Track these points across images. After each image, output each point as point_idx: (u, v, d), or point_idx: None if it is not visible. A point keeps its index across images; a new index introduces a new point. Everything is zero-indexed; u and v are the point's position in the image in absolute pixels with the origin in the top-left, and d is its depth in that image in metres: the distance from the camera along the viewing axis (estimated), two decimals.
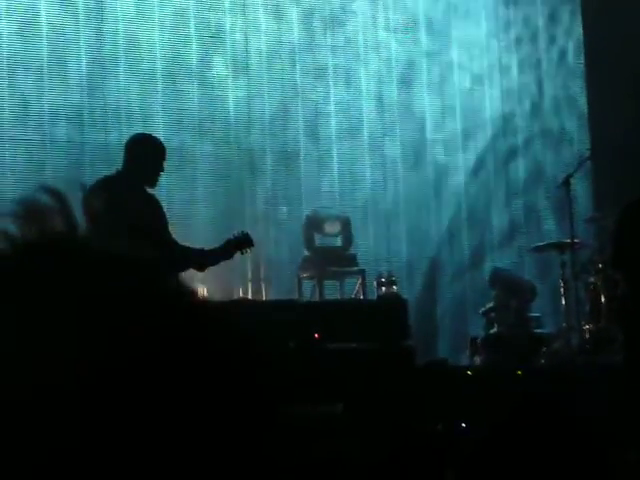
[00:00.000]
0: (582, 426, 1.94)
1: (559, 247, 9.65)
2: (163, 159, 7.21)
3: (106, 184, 6.87)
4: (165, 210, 7.47)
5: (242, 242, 7.25)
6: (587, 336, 9.22)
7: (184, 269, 6.96)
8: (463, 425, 7.43)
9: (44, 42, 9.83)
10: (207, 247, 7.35)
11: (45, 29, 9.85)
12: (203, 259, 7.18)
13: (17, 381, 0.85)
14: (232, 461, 0.88)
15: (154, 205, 7.22)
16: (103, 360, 0.85)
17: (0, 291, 0.88)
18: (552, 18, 12.08)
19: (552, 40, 12.10)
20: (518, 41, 11.93)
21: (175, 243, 7.27)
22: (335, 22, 11.11)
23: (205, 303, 0.94)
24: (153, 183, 7.19)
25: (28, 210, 0.90)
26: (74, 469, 0.83)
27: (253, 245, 7.34)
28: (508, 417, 1.97)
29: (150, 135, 7.73)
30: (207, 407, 0.87)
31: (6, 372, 0.85)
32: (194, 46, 10.46)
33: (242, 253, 7.32)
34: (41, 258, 0.89)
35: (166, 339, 0.88)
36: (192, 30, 10.45)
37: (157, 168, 7.14)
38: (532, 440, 1.87)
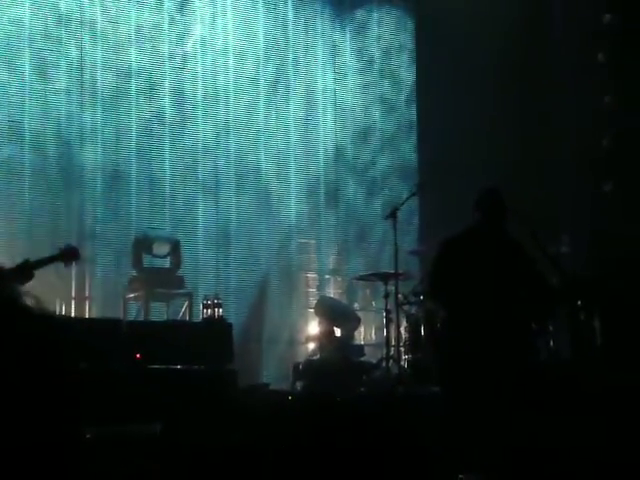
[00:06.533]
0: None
1: (383, 277, 9.75)
2: None
3: None
4: None
5: (68, 254, 7.05)
6: (406, 366, 9.37)
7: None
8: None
9: None
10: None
11: None
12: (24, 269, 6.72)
13: None
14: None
15: None
16: None
17: None
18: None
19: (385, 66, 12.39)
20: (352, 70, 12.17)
21: None
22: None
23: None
24: None
25: None
26: None
27: (79, 258, 7.17)
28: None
29: None
30: None
31: None
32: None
33: (66, 266, 7.09)
34: None
35: None
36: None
37: None
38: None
